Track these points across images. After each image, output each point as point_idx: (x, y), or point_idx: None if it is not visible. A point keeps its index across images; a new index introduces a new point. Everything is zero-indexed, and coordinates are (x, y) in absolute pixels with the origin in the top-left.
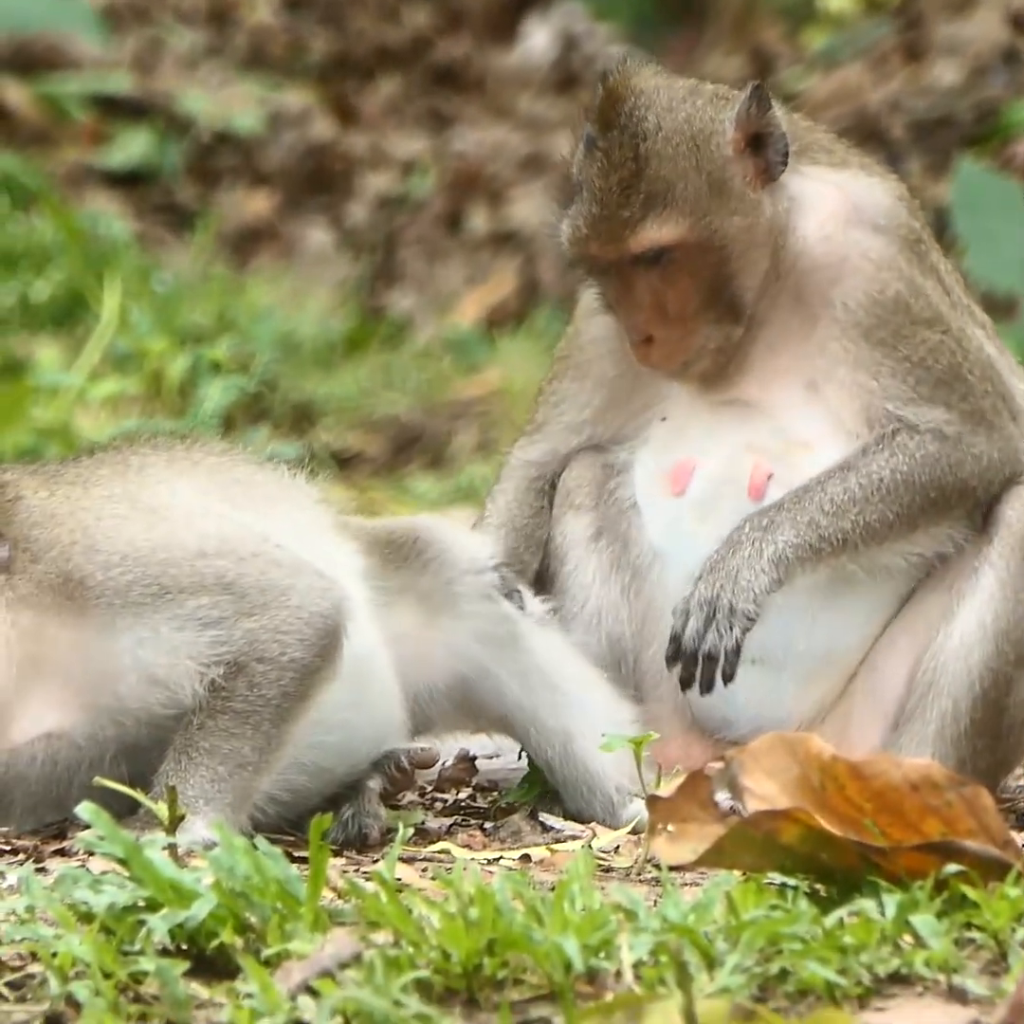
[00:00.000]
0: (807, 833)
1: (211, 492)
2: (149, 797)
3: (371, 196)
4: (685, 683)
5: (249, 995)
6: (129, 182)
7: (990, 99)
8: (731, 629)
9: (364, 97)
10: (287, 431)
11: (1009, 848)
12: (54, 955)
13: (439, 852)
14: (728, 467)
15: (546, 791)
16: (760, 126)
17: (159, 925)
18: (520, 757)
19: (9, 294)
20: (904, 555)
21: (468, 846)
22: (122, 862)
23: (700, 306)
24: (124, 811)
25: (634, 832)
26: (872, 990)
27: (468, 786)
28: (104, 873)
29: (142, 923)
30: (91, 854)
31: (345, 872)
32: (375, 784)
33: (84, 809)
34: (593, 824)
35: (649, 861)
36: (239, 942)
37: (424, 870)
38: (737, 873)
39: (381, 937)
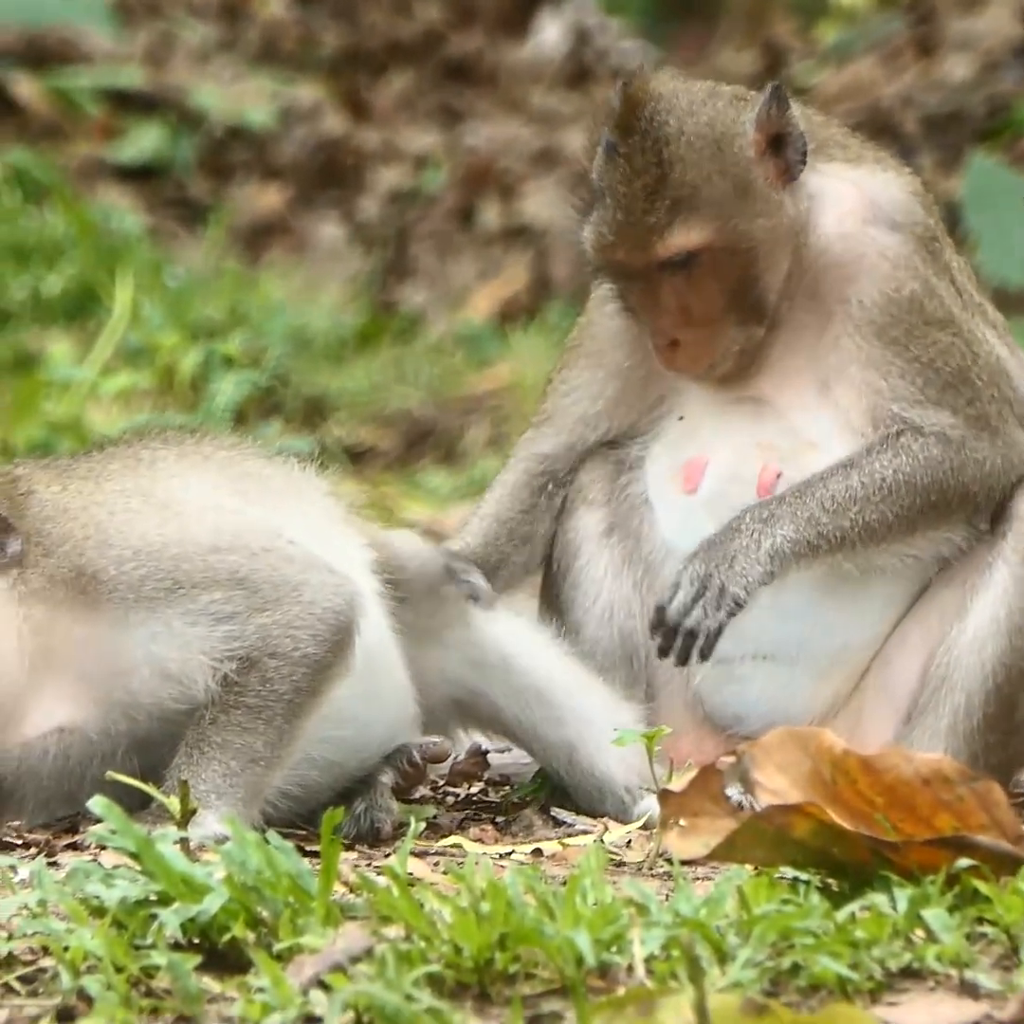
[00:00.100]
0: (819, 827)
1: (223, 486)
2: (161, 791)
3: (383, 191)
4: (662, 652)
5: (261, 989)
6: (141, 176)
7: (1002, 94)
8: (718, 610)
9: (376, 92)
10: (299, 426)
11: (1021, 843)
12: (66, 949)
13: (451, 846)
14: (738, 465)
15: (558, 786)
16: (780, 126)
17: (171, 919)
18: None
19: (21, 288)
20: (900, 556)
21: (480, 840)
22: (134, 856)
23: (725, 308)
24: (136, 805)
25: (646, 827)
26: (884, 984)
27: (480, 780)
28: (116, 867)
29: (154, 917)
30: (103, 848)
31: (357, 866)
32: (387, 778)
33: (96, 803)
34: (605, 819)
35: (661, 855)
36: (251, 936)
37: (436, 864)
38: (749, 867)
39: (393, 931)
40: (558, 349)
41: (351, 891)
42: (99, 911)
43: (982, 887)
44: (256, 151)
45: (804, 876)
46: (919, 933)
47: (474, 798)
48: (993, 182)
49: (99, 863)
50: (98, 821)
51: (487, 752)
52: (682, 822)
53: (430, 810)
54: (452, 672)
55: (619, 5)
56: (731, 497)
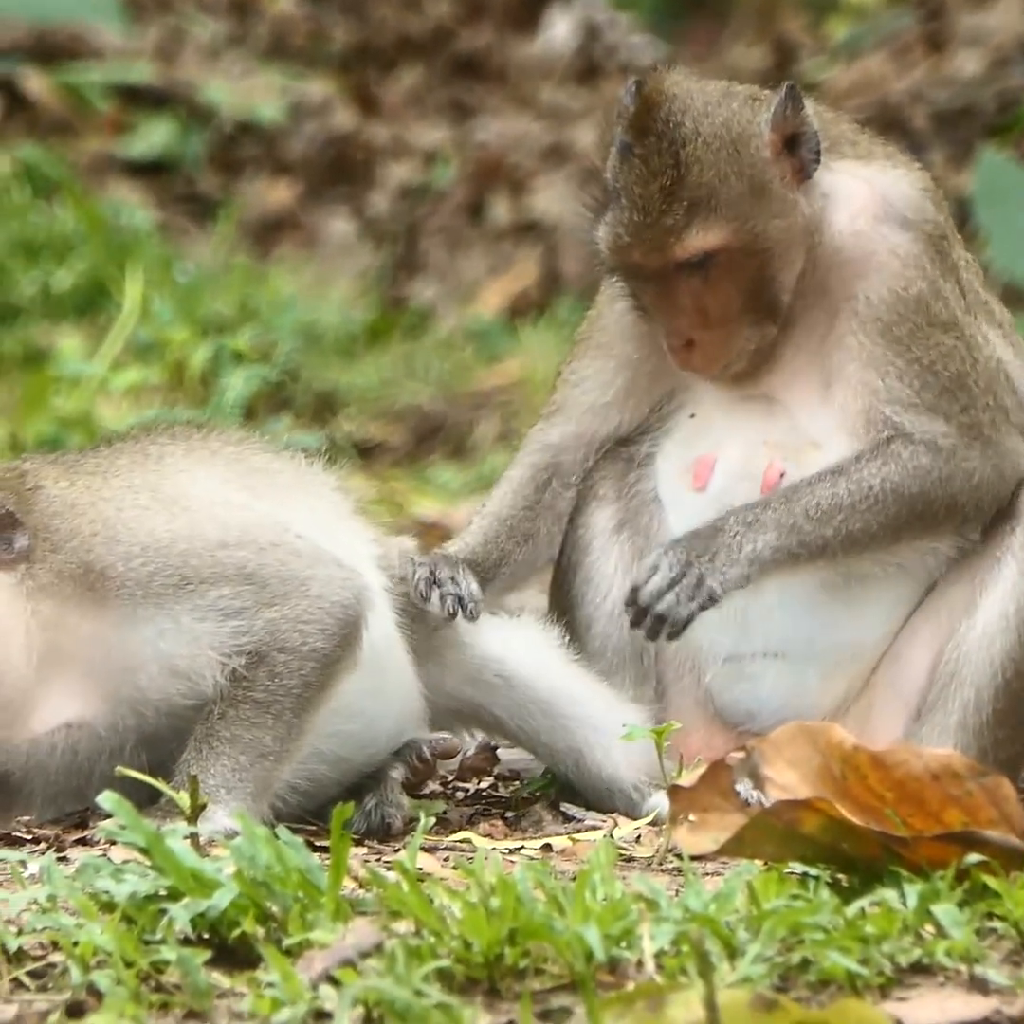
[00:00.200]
0: (828, 823)
1: (231, 481)
2: (170, 786)
3: (393, 186)
4: (632, 625)
5: (270, 984)
6: (151, 172)
7: (1012, 89)
8: (692, 600)
9: (386, 87)
10: (309, 421)
11: None
12: (75, 944)
13: (460, 841)
14: (746, 463)
15: (567, 780)
16: (795, 126)
17: (181, 914)
18: None
19: (31, 284)
20: (882, 564)
21: (489, 836)
22: (144, 851)
23: (741, 309)
24: (144, 801)
25: (655, 822)
26: (893, 980)
27: (489, 775)
28: (126, 862)
29: (163, 912)
30: (113, 843)
31: (366, 861)
32: (397, 774)
33: (106, 798)
34: (615, 814)
35: (671, 851)
36: (260, 931)
37: (445, 860)
38: (758, 863)
39: (402, 927)
40: (568, 344)
41: (361, 886)
42: (109, 906)
43: (992, 882)
44: (266, 146)
45: (814, 871)
46: (929, 928)
47: (484, 793)
48: (1003, 177)
49: (109, 858)
50: (108, 816)
51: (497, 747)
52: (692, 817)
53: (440, 805)
54: (452, 687)
55: (629, 1)
56: (740, 495)
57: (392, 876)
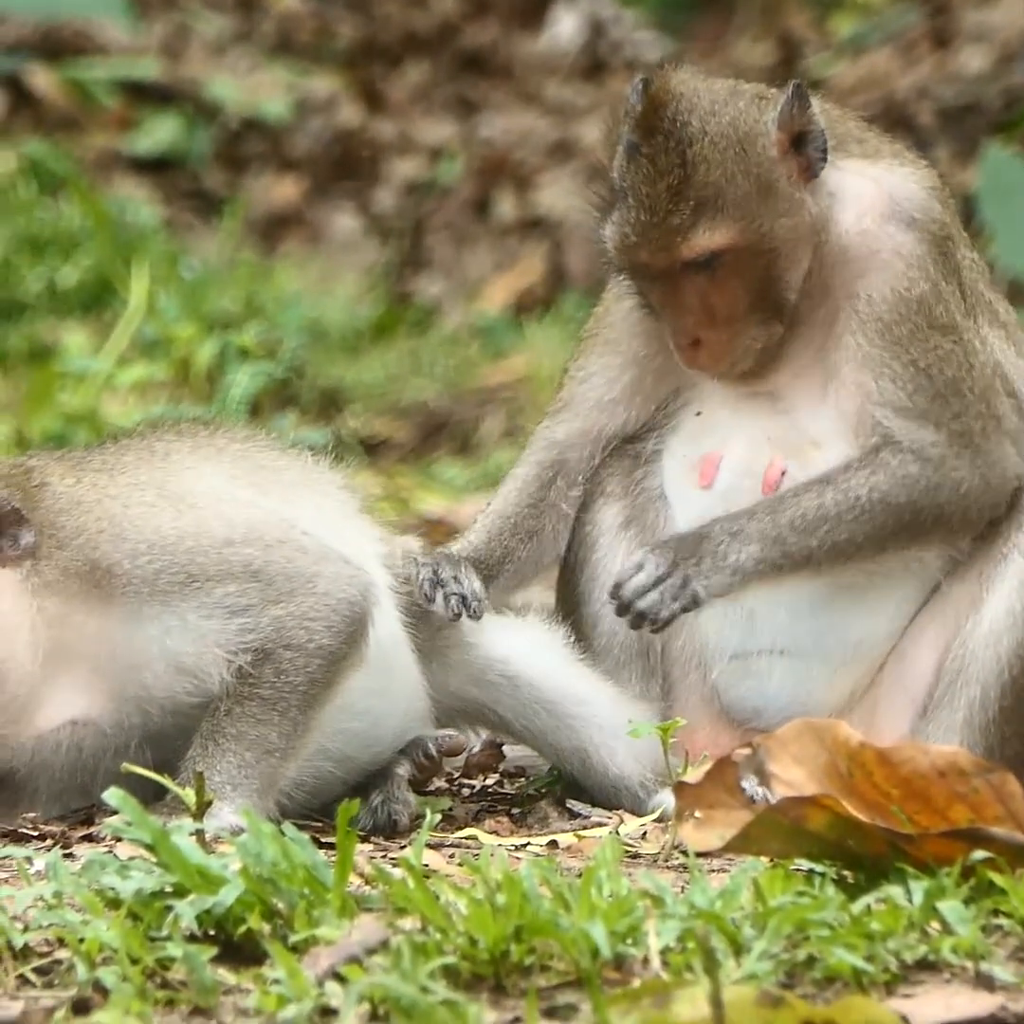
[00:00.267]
0: (834, 819)
1: (237, 478)
2: (176, 783)
3: (398, 182)
4: (618, 614)
5: (276, 981)
6: (157, 168)
7: (1017, 86)
8: (675, 600)
9: (391, 83)
10: (314, 417)
11: None
12: (81, 941)
13: (466, 838)
14: (749, 460)
15: (573, 778)
16: (802, 125)
17: (186, 911)
18: None
19: (37, 280)
20: (867, 573)
21: (495, 832)
22: (149, 848)
23: (748, 308)
24: (150, 798)
25: (661, 819)
26: (899, 977)
27: (495, 772)
28: (131, 859)
29: (169, 909)
30: (118, 840)
31: (372, 858)
32: (404, 771)
33: (111, 795)
34: (620, 811)
35: (676, 847)
36: (266, 928)
37: (451, 856)
38: (764, 859)
39: (408, 923)
40: (574, 340)
41: (367, 883)
42: (115, 903)
43: (997, 879)
44: (272, 143)
45: (819, 868)
46: (934, 925)
47: (490, 790)
48: (1009, 174)
49: (115, 855)
50: (114, 813)
51: (502, 744)
52: (697, 814)
53: (446, 802)
54: (457, 687)
55: None
56: (745, 492)
57: (398, 873)
